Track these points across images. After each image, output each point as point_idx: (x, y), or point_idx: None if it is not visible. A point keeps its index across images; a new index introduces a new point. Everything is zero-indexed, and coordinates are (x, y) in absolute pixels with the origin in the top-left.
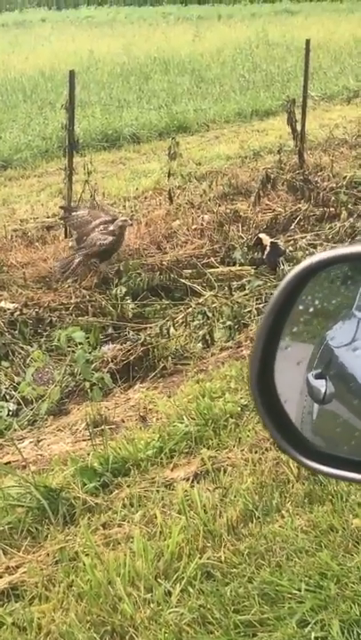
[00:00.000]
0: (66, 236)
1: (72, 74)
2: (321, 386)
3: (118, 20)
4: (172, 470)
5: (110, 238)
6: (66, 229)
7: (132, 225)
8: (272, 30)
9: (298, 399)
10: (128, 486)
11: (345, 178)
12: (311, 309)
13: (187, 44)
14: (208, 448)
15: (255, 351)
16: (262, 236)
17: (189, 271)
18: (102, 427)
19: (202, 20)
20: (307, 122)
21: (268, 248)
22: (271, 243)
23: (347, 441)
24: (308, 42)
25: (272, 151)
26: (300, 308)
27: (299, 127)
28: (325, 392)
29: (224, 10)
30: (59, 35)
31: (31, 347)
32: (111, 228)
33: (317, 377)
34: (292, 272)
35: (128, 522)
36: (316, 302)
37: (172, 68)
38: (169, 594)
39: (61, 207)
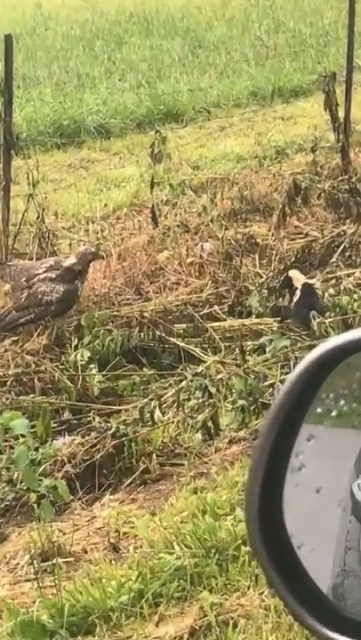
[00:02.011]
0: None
1: (9, 38)
2: None
3: None
4: (157, 625)
5: (62, 288)
6: None
7: (103, 258)
8: None
9: (318, 545)
10: None
11: None
12: (335, 411)
13: None
14: (211, 591)
15: (253, 478)
16: (294, 273)
17: (183, 326)
18: (54, 560)
19: None
20: (354, 105)
21: (297, 292)
22: (304, 284)
23: None
24: None
25: (303, 148)
26: (319, 410)
27: (342, 113)
28: None
29: None
30: None
31: None
32: (62, 270)
33: None
34: (305, 362)
35: None
36: (342, 402)
37: (157, 28)
38: None
39: None
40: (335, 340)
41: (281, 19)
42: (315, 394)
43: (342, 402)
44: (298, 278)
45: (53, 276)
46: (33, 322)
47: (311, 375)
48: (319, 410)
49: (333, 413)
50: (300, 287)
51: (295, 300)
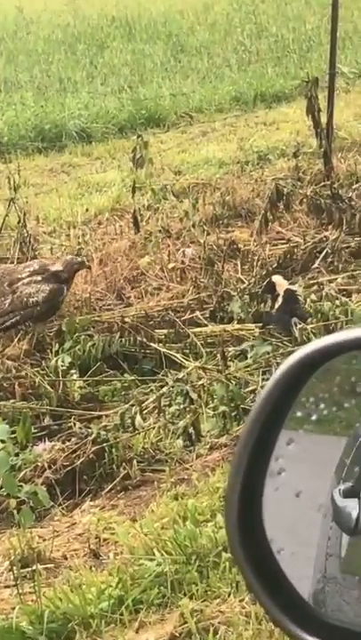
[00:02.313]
0: None
1: None
2: (352, 508)
3: None
4: (137, 631)
5: (47, 288)
6: None
7: (89, 267)
8: None
9: (297, 549)
10: None
11: None
12: (315, 416)
13: None
14: (191, 598)
15: (233, 482)
16: (277, 279)
17: (164, 332)
18: (34, 566)
19: None
20: (336, 110)
21: (279, 298)
22: (286, 290)
23: None
24: None
25: (285, 154)
26: (299, 414)
27: (324, 119)
28: (359, 517)
29: None
30: None
31: None
32: (48, 274)
33: (347, 495)
34: (284, 365)
35: None
36: (322, 406)
37: (139, 33)
38: None
39: None
40: (315, 344)
41: (264, 24)
42: (295, 398)
43: (322, 406)
44: (281, 284)
45: (39, 278)
46: (19, 324)
47: (291, 379)
48: (299, 414)
49: (313, 417)
50: (282, 293)
51: (277, 305)
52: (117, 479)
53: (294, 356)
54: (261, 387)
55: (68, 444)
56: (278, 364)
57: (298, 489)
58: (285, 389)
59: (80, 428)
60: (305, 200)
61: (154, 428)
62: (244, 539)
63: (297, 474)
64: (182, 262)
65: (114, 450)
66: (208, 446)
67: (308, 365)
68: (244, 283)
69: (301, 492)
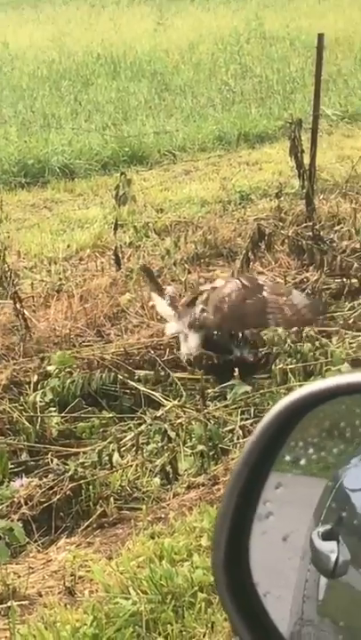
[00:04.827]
0: None
1: None
2: (331, 551)
3: None
4: None
5: None
6: None
7: None
8: (270, 17)
9: (283, 593)
10: None
11: None
12: (303, 460)
13: (146, 35)
14: (166, 637)
15: (221, 525)
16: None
17: (144, 373)
18: (9, 603)
19: (168, 0)
20: (319, 152)
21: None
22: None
23: None
24: (321, 36)
25: (268, 194)
26: (288, 458)
27: (307, 160)
28: (337, 560)
29: None
30: None
31: None
32: None
33: (326, 537)
34: (274, 410)
35: None
36: (311, 451)
37: (124, 71)
38: None
39: None
40: (305, 389)
41: (248, 64)
42: (284, 441)
43: (311, 450)
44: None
45: None
46: None
47: (280, 423)
48: (288, 457)
49: (302, 462)
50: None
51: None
52: (94, 517)
53: (284, 401)
54: (240, 427)
55: (45, 480)
56: (257, 404)
57: (285, 533)
58: (275, 433)
59: (57, 464)
60: (286, 241)
61: (131, 465)
62: (231, 581)
63: (285, 517)
64: None
65: (91, 487)
66: (185, 485)
67: (298, 410)
68: None
69: (288, 536)
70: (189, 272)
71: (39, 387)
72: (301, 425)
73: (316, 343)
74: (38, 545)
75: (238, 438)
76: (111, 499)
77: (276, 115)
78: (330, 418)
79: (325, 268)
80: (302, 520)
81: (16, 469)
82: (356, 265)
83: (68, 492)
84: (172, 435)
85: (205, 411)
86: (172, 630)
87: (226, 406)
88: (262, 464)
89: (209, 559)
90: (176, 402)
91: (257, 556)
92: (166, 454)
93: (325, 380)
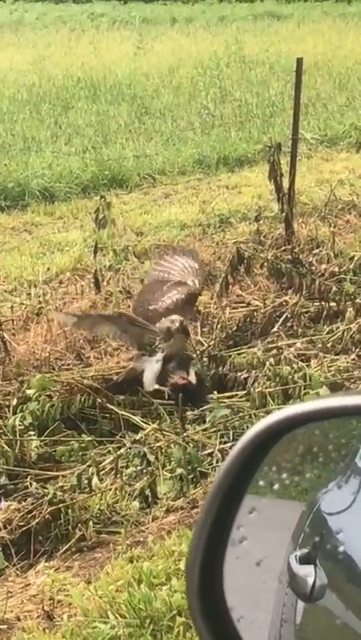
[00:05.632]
0: None
1: None
2: (308, 575)
3: (26, 23)
4: None
5: None
6: None
7: None
8: (250, 42)
9: (257, 617)
10: None
11: (352, 259)
12: (277, 485)
13: (125, 58)
14: None
15: (195, 551)
16: None
17: (122, 397)
18: None
19: (148, 24)
20: (298, 176)
21: None
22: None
23: None
24: (300, 60)
25: (247, 218)
26: (261, 483)
27: (286, 184)
28: (314, 583)
29: (180, 10)
30: None
31: None
32: None
33: (303, 561)
34: (248, 434)
35: None
36: (284, 475)
37: (104, 94)
38: None
39: None
40: (279, 414)
41: (228, 88)
42: (257, 466)
43: (285, 475)
44: None
45: None
46: None
47: (254, 448)
48: (262, 482)
49: (276, 486)
50: None
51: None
52: (73, 540)
53: (258, 425)
54: (219, 450)
55: (23, 504)
56: (236, 427)
57: (259, 557)
58: (248, 458)
59: (36, 488)
60: (266, 264)
61: (110, 489)
62: (205, 607)
63: (258, 542)
64: None
65: (70, 511)
66: (165, 509)
67: (272, 435)
68: (203, 345)
69: (262, 561)
70: None
71: (18, 410)
72: (276, 449)
73: (295, 366)
74: (17, 569)
75: (217, 461)
76: (90, 522)
77: (256, 138)
78: (303, 443)
79: (304, 292)
80: (277, 544)
81: None
82: (334, 288)
83: (46, 516)
84: (152, 458)
85: (185, 434)
86: None
87: (205, 429)
88: (236, 488)
89: None
90: (155, 425)
91: (231, 580)
92: (145, 478)
93: (298, 405)
